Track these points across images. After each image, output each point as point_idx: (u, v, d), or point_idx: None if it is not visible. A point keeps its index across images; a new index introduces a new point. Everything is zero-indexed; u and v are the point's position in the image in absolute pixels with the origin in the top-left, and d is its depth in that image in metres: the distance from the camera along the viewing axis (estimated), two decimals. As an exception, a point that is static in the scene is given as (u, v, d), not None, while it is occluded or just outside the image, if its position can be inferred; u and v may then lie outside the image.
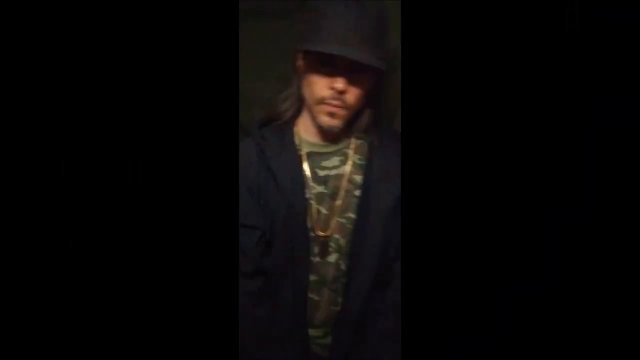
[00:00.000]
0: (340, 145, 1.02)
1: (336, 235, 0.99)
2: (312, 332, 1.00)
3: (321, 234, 0.99)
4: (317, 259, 0.99)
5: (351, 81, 0.93)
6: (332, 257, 0.99)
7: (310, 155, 1.01)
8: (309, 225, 0.98)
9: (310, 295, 0.99)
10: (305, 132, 1.03)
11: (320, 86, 0.94)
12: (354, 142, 1.02)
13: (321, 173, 1.00)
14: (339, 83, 0.92)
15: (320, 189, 1.00)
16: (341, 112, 0.95)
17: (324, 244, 0.99)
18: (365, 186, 1.00)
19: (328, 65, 0.93)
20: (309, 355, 1.01)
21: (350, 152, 1.02)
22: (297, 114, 1.04)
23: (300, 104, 1.02)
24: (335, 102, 0.94)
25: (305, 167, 1.00)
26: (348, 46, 0.89)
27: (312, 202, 0.99)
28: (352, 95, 0.94)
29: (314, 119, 0.98)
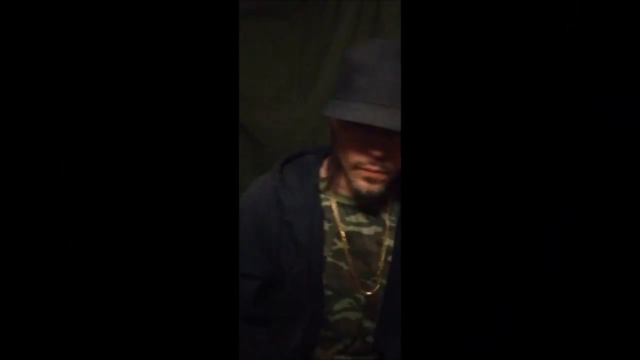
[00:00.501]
0: (375, 206, 0.93)
1: (375, 299, 0.91)
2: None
3: (365, 293, 0.91)
4: (337, 316, 0.91)
5: (391, 145, 0.83)
6: (356, 314, 0.92)
7: (337, 208, 0.93)
8: (327, 283, 0.90)
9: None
10: (341, 188, 0.93)
11: (357, 151, 0.85)
12: (386, 197, 0.92)
13: (348, 228, 0.92)
14: (377, 150, 0.83)
15: (340, 245, 0.91)
16: (381, 177, 0.87)
17: (372, 303, 0.91)
18: (396, 250, 0.91)
19: (364, 128, 0.82)
20: None
21: (379, 209, 0.93)
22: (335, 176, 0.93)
23: (335, 169, 0.92)
24: (373, 168, 0.85)
25: (328, 224, 0.91)
26: (385, 108, 0.80)
27: (336, 260, 0.91)
28: (393, 160, 0.85)
29: (349, 182, 0.89)
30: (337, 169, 0.92)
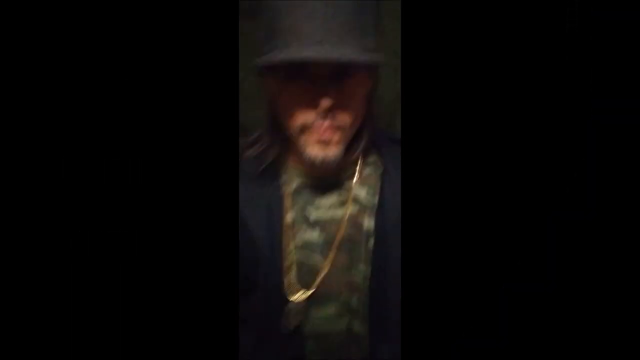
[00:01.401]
0: (340, 176, 0.77)
1: (344, 295, 0.74)
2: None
3: (301, 295, 0.73)
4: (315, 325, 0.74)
5: (340, 93, 0.68)
6: (343, 321, 0.74)
7: (299, 192, 0.76)
8: (290, 283, 0.74)
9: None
10: (295, 162, 0.76)
11: (300, 108, 0.68)
12: (361, 171, 0.77)
13: (314, 215, 0.75)
14: (325, 100, 0.66)
15: (312, 235, 0.75)
16: (335, 136, 0.69)
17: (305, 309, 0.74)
18: (378, 234, 0.74)
19: (304, 77, 0.67)
20: None
21: (354, 185, 0.76)
22: (284, 150, 0.76)
23: (281, 141, 0.75)
24: (324, 125, 0.68)
25: (291, 209, 0.74)
26: (323, 45, 0.63)
27: (299, 254, 0.74)
28: (348, 111, 0.69)
29: (301, 152, 0.71)
30: (285, 142, 0.75)
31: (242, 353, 0.76)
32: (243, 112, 0.90)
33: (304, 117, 0.69)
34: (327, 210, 0.76)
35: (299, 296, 0.74)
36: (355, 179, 0.77)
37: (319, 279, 0.74)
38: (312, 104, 0.67)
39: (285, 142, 0.76)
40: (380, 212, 0.75)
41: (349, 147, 0.74)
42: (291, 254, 0.74)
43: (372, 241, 0.75)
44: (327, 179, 0.76)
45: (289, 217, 0.75)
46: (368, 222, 0.76)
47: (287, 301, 0.74)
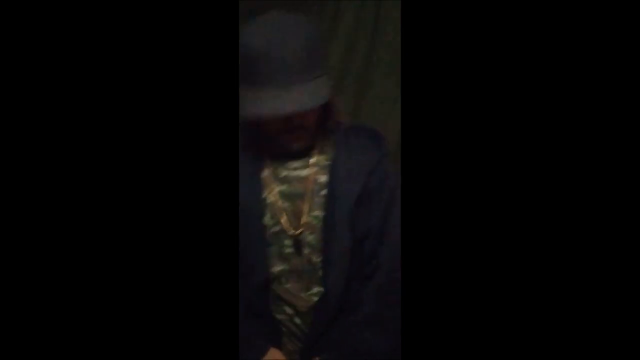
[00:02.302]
0: (305, 150, 1.03)
1: (306, 232, 1.00)
2: (297, 320, 1.02)
3: (293, 232, 1.00)
4: (291, 250, 1.00)
5: (301, 117, 0.92)
6: (305, 251, 1.00)
7: (274, 157, 1.02)
8: (266, 223, 0.99)
9: (287, 285, 1.01)
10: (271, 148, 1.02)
11: (274, 127, 0.93)
12: (321, 144, 1.03)
13: (283, 173, 1.01)
14: (292, 122, 0.91)
15: (282, 188, 1.01)
16: (304, 135, 0.96)
17: (298, 241, 1.00)
18: (330, 186, 1.00)
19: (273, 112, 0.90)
20: (282, 334, 1.03)
21: (315, 152, 1.03)
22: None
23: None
24: (296, 132, 0.94)
25: (267, 170, 1.01)
26: (288, 90, 0.87)
27: (277, 201, 1.00)
28: (310, 117, 0.94)
29: (277, 140, 0.98)
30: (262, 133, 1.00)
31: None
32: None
33: (277, 130, 0.94)
34: (293, 171, 1.02)
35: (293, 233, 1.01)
36: (315, 151, 1.03)
37: (283, 219, 1.01)
38: (283, 126, 0.93)
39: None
40: (333, 170, 1.02)
41: (316, 134, 1.01)
42: (272, 200, 1.02)
43: (323, 192, 1.01)
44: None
45: (266, 172, 1.02)
46: (323, 179, 1.02)
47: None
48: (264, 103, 0.88)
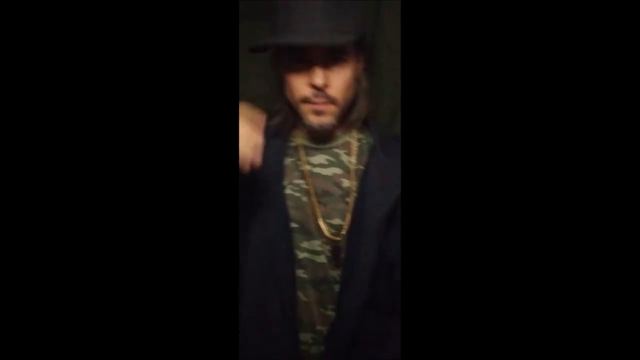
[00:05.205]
0: (333, 143, 0.96)
1: (342, 244, 0.91)
2: (302, 336, 0.92)
3: (331, 237, 0.91)
4: (305, 254, 0.92)
5: (331, 73, 0.87)
6: (321, 258, 0.93)
7: (299, 149, 0.96)
8: (291, 214, 0.92)
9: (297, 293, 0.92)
10: (301, 128, 0.96)
11: (300, 85, 0.88)
12: (352, 143, 0.96)
13: (304, 167, 0.94)
14: (318, 78, 0.86)
15: (300, 182, 0.94)
16: (329, 108, 0.89)
17: (336, 249, 0.92)
18: (360, 193, 0.92)
19: (302, 61, 0.87)
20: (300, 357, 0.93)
21: (343, 153, 0.95)
22: (295, 122, 0.96)
23: (293, 110, 0.94)
24: (319, 100, 0.88)
25: (290, 159, 0.94)
26: (315, 33, 0.83)
27: (298, 194, 0.93)
28: (336, 88, 0.88)
29: (302, 120, 0.92)
30: (292, 111, 0.95)
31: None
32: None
33: (302, 92, 0.88)
34: (314, 167, 0.95)
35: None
36: (343, 148, 0.96)
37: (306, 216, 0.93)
38: (308, 82, 0.87)
39: (295, 112, 0.95)
40: (364, 177, 0.93)
41: (344, 121, 0.94)
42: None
43: (348, 199, 0.92)
44: (321, 143, 0.96)
45: (288, 160, 0.96)
46: (348, 183, 0.93)
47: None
48: (293, 36, 0.84)
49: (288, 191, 0.94)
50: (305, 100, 0.89)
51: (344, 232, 0.92)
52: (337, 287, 0.92)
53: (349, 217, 0.92)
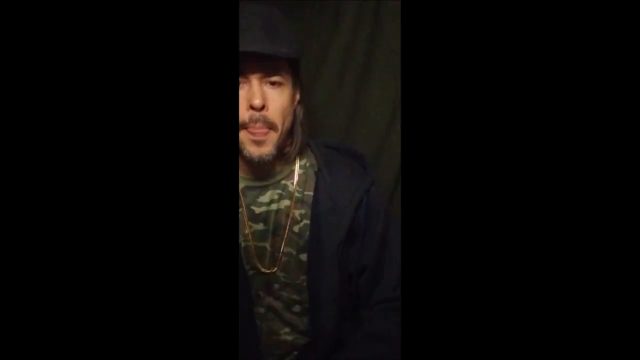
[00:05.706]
0: (277, 177, 0.96)
1: (281, 273, 0.95)
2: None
3: (265, 270, 0.94)
4: (263, 293, 0.96)
5: (268, 95, 0.87)
6: (284, 292, 0.95)
7: (245, 192, 0.94)
8: (247, 263, 0.93)
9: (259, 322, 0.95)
10: (242, 166, 0.94)
11: (241, 109, 0.86)
12: (294, 172, 0.96)
13: (257, 210, 0.94)
14: (256, 99, 0.85)
15: (259, 227, 0.95)
16: (268, 137, 0.88)
17: (268, 281, 0.95)
18: (313, 222, 0.93)
19: (244, 81, 0.86)
20: None
21: (289, 183, 0.96)
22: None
23: None
24: (258, 125, 0.86)
25: (241, 207, 0.93)
26: (255, 42, 0.83)
27: (250, 242, 0.94)
28: (273, 110, 0.87)
29: (241, 150, 0.89)
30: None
31: None
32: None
33: (242, 117, 0.87)
34: (268, 206, 0.95)
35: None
36: (289, 178, 0.96)
37: (266, 261, 0.96)
38: (247, 105, 0.86)
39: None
40: (314, 204, 0.94)
41: (284, 150, 0.94)
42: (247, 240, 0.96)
43: (297, 228, 0.95)
44: (266, 179, 0.95)
45: (242, 212, 0.95)
46: (298, 212, 0.95)
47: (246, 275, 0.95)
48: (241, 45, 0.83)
49: (244, 244, 0.95)
50: (244, 127, 0.87)
51: (302, 261, 0.95)
52: (305, 319, 0.96)
53: (305, 246, 0.95)
